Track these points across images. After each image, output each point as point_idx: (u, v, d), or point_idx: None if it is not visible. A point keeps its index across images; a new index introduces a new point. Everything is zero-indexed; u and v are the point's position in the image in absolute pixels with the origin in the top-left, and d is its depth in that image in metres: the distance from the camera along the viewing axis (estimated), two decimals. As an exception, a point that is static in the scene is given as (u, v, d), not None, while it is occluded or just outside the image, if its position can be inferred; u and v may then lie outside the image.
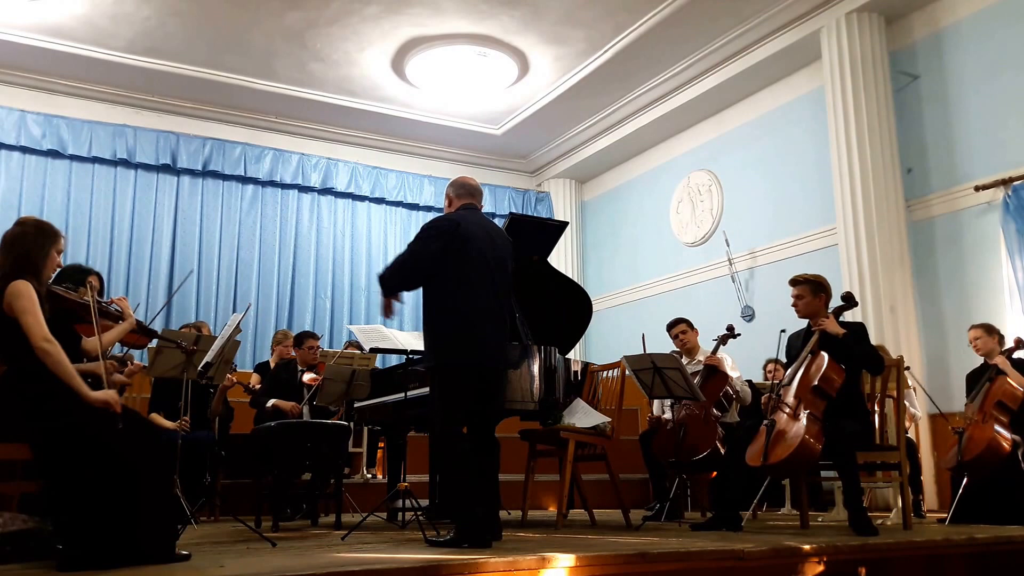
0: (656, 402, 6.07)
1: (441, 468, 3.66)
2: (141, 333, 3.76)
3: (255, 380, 6.54)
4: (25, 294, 3.01)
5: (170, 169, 9.62)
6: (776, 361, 5.09)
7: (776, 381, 5.30)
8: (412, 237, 3.89)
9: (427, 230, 3.79)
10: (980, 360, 5.63)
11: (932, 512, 6.19)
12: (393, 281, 3.81)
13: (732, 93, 9.05)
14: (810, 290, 4.54)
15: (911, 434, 5.93)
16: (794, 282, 4.60)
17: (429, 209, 10.88)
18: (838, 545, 3.53)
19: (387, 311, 3.82)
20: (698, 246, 9.59)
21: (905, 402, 5.21)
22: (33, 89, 9.04)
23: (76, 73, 8.97)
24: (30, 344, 3.01)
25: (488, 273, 3.74)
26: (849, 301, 4.65)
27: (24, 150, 8.96)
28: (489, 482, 3.73)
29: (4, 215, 8.73)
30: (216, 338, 4.65)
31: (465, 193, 3.96)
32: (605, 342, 10.35)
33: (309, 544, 3.82)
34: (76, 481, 2.82)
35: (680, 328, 5.84)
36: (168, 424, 5.29)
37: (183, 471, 4.43)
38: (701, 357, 5.67)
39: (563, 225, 5.45)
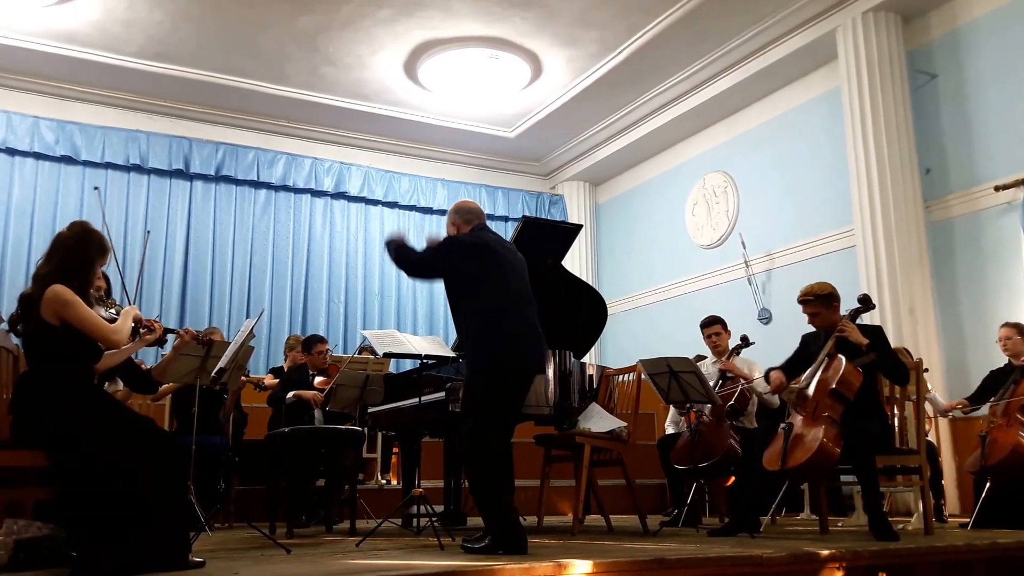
0: (669, 421, 6.04)
1: (474, 472, 3.63)
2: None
3: (269, 381, 6.54)
4: (73, 300, 3.00)
5: (183, 174, 9.65)
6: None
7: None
8: (425, 242, 3.90)
9: (448, 244, 3.87)
10: (1003, 359, 5.55)
11: (954, 517, 6.10)
12: (400, 262, 3.88)
13: (747, 94, 8.99)
14: (822, 304, 4.50)
15: (931, 437, 5.85)
16: (804, 301, 4.55)
17: (442, 212, 10.85)
18: (858, 550, 3.50)
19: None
20: (714, 248, 9.52)
21: (928, 404, 5.15)
22: (46, 95, 9.09)
23: (89, 79, 9.02)
24: (56, 353, 3.00)
25: (518, 285, 3.82)
26: (866, 303, 4.59)
27: (38, 156, 9.00)
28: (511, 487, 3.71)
29: (18, 221, 8.81)
30: (229, 344, 4.63)
31: (474, 217, 4.02)
32: (620, 346, 10.30)
33: (323, 551, 3.81)
34: (87, 488, 2.81)
35: (715, 329, 5.77)
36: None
37: (197, 477, 4.41)
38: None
39: (577, 228, 5.41)
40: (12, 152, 8.90)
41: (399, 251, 3.86)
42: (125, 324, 3.17)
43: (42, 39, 8.34)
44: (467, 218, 4.00)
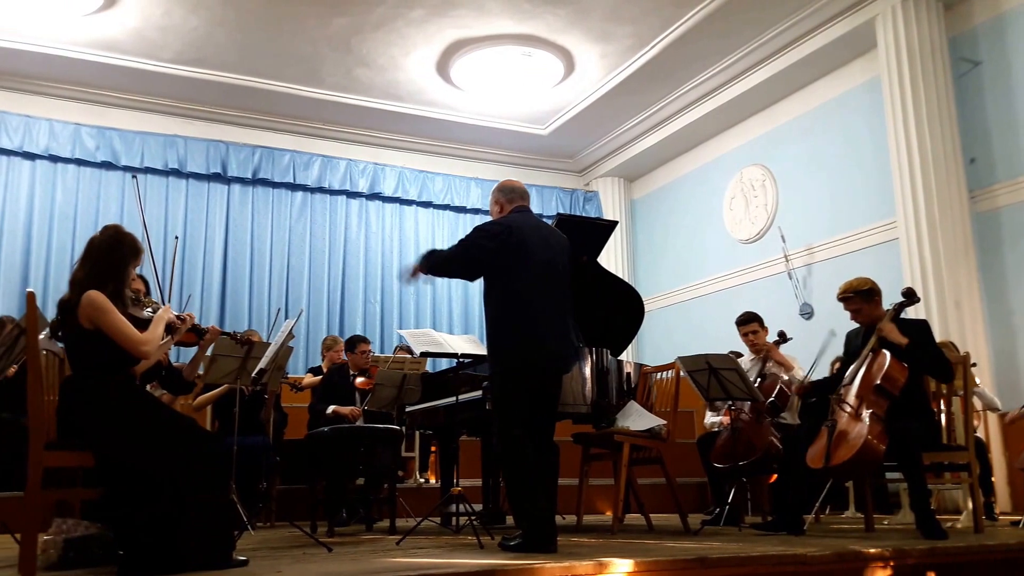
0: (708, 418, 5.98)
1: (505, 471, 3.63)
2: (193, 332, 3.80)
3: (308, 378, 6.60)
4: (107, 307, 3.03)
5: (220, 178, 9.78)
6: (840, 360, 4.95)
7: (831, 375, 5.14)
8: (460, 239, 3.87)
9: (479, 232, 3.78)
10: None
11: (1005, 515, 5.96)
12: (435, 267, 3.83)
13: (785, 85, 8.85)
14: (863, 299, 4.43)
15: (980, 433, 5.72)
16: (844, 299, 4.49)
17: (476, 212, 10.89)
18: (905, 549, 3.44)
19: (409, 277, 3.88)
20: (753, 243, 9.40)
21: (976, 398, 5.02)
22: (87, 102, 9.26)
23: (127, 85, 9.17)
24: (97, 357, 3.04)
25: (543, 275, 3.72)
26: (910, 297, 4.49)
27: (79, 162, 9.18)
28: (548, 486, 3.68)
29: (61, 226, 9.00)
30: (269, 345, 4.67)
31: (516, 196, 3.96)
32: (658, 343, 10.22)
33: (364, 549, 3.82)
34: (132, 488, 2.85)
35: (751, 327, 5.66)
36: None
37: (239, 477, 4.46)
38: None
39: (612, 224, 5.36)
40: (55, 159, 9.08)
41: (429, 259, 3.82)
42: (155, 332, 3.17)
43: (82, 47, 8.50)
44: (510, 197, 3.95)
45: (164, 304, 3.72)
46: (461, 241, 3.82)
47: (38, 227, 8.89)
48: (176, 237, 8.53)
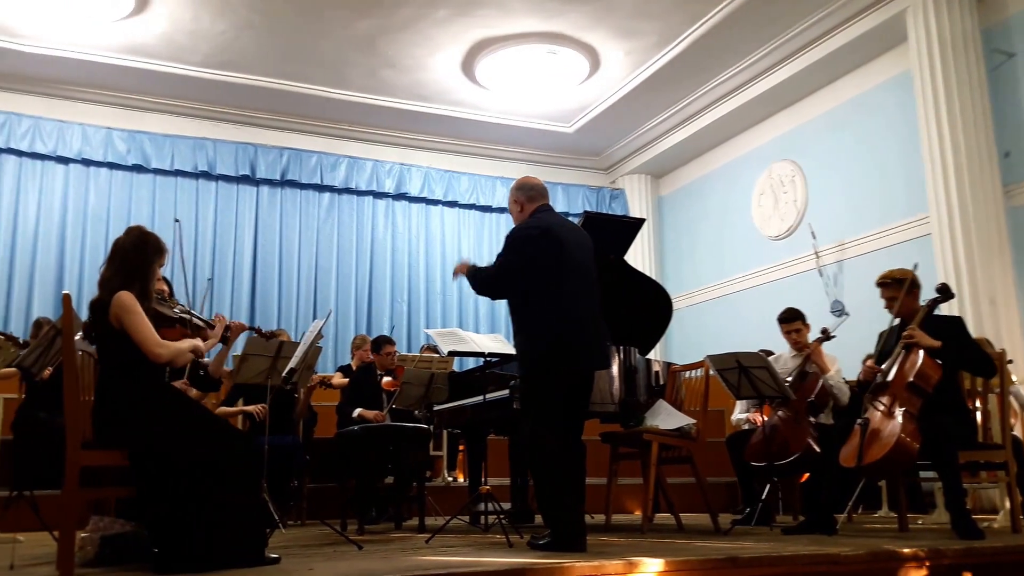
0: (736, 413, 5.91)
1: (533, 471, 3.62)
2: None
3: (338, 378, 6.64)
4: (133, 309, 3.07)
5: (249, 180, 9.88)
6: (873, 357, 4.87)
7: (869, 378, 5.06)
8: (486, 240, 3.84)
9: (515, 242, 3.74)
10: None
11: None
12: (483, 289, 3.86)
13: (814, 80, 8.75)
14: (900, 289, 4.35)
15: (1017, 431, 5.61)
16: (882, 284, 4.42)
17: (502, 211, 10.88)
18: (941, 549, 3.39)
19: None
20: (782, 239, 9.30)
21: (1011, 396, 4.93)
22: (118, 107, 9.39)
23: (157, 89, 9.28)
24: (128, 357, 3.08)
25: (579, 274, 3.71)
26: (945, 293, 4.43)
27: (111, 166, 9.32)
28: (577, 485, 3.67)
29: (94, 228, 9.14)
30: (298, 344, 4.71)
31: (537, 195, 3.91)
32: (687, 342, 10.15)
33: (394, 547, 3.84)
34: (166, 487, 2.89)
35: (795, 325, 5.51)
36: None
37: (270, 476, 4.51)
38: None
39: (639, 222, 5.33)
40: (88, 162, 9.23)
41: (474, 278, 3.81)
42: (176, 346, 3.19)
43: (113, 53, 8.62)
44: (530, 195, 3.88)
45: (192, 308, 3.77)
46: (499, 258, 3.76)
47: (72, 230, 9.05)
48: (209, 279, 8.56)
